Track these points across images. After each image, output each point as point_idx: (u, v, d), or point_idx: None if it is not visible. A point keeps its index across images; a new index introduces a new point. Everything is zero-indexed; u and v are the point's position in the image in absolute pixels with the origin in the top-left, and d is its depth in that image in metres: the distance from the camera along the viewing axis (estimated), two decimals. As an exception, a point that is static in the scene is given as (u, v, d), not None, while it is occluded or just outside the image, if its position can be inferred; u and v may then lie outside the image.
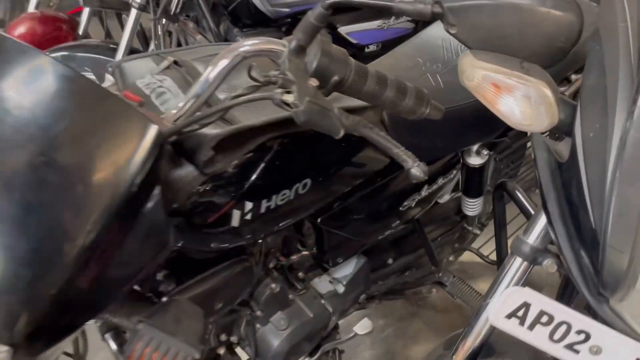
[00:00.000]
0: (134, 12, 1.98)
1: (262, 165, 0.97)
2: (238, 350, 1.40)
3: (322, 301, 1.40)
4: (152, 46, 2.17)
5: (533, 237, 0.89)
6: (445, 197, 1.85)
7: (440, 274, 1.69)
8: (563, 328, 0.74)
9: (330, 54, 0.84)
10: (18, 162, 0.64)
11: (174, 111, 0.84)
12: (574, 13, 0.82)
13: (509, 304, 0.75)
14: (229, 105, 0.82)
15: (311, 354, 1.48)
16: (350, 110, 0.94)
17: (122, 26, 2.51)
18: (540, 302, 0.75)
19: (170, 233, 0.82)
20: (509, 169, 1.71)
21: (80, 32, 2.43)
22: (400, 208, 1.40)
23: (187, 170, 0.89)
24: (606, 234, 0.64)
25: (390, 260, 1.62)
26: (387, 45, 2.51)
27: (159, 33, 2.04)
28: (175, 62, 0.99)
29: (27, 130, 0.65)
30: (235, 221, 0.98)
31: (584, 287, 0.71)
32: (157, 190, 0.72)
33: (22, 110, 0.66)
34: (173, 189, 0.88)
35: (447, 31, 0.76)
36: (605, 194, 0.64)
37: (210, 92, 0.84)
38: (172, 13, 2.05)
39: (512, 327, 0.76)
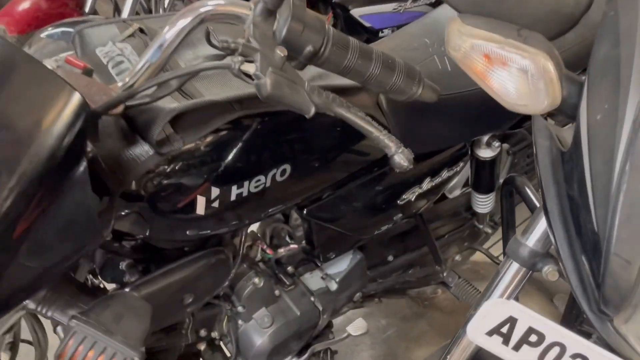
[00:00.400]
0: (135, -15, 1.90)
1: (230, 146, 0.87)
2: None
3: (312, 298, 1.30)
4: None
5: (533, 240, 0.76)
6: (455, 192, 1.73)
7: (444, 274, 1.57)
8: (555, 350, 0.61)
9: (303, 20, 0.73)
10: None
11: (127, 78, 0.75)
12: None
13: (490, 317, 0.64)
14: (180, 73, 0.72)
15: (300, 354, 1.39)
16: (339, 91, 0.83)
17: (132, 4, 2.43)
18: (529, 317, 0.63)
19: (108, 222, 0.73)
20: (524, 164, 1.58)
21: (87, 9, 2.37)
22: (399, 201, 1.29)
23: (141, 149, 0.79)
24: (610, 240, 0.52)
25: (390, 258, 1.51)
26: (404, 30, 2.38)
27: (160, 10, 1.95)
28: (141, 30, 0.90)
29: None
30: (200, 209, 0.88)
31: (584, 301, 0.59)
32: (82, 167, 0.62)
33: None
34: (125, 169, 0.79)
35: None
36: (612, 190, 0.52)
37: (165, 58, 0.74)
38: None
39: (494, 346, 0.64)
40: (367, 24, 2.27)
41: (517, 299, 0.77)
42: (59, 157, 0.59)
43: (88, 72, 0.73)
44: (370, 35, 2.32)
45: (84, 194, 0.63)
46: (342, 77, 0.90)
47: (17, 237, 0.58)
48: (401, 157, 0.77)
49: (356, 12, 2.23)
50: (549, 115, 0.64)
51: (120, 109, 0.71)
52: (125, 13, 1.96)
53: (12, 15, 2.29)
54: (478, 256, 1.85)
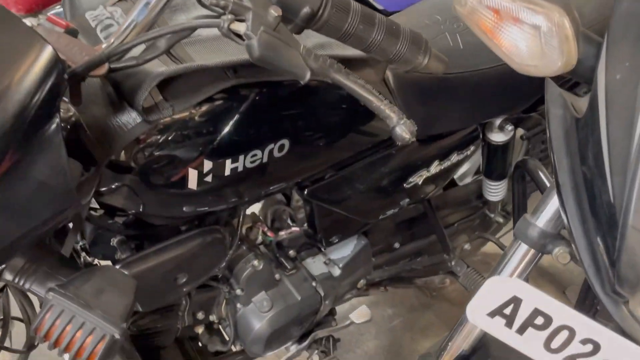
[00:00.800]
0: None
1: (224, 117, 0.83)
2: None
3: (314, 283, 1.26)
4: None
5: (543, 220, 0.71)
6: (466, 180, 1.68)
7: (452, 263, 1.51)
8: (564, 334, 0.56)
9: (300, -21, 0.68)
10: None
11: (112, 38, 0.71)
12: None
13: (493, 297, 0.58)
14: (166, 32, 0.67)
15: (301, 340, 1.35)
16: (342, 62, 0.78)
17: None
18: (535, 297, 0.58)
19: (89, 190, 0.69)
20: (539, 150, 1.51)
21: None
22: (405, 185, 1.24)
23: (129, 117, 0.75)
24: (628, 211, 0.47)
25: (396, 245, 1.46)
26: (418, 14, 2.31)
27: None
28: (134, -6, 0.86)
29: None
30: (192, 183, 0.84)
31: (597, 283, 0.54)
32: (54, 125, 0.58)
33: None
34: (112, 137, 0.75)
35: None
36: (631, 156, 0.47)
37: (153, 17, 0.70)
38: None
39: (495, 328, 0.59)
40: (380, 7, 2.21)
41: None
42: (29, 113, 0.55)
43: (71, 32, 0.69)
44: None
45: (57, 155, 0.59)
46: (343, 47, 0.85)
47: None
48: (403, 129, 0.72)
49: (368, -7, 2.17)
50: (562, 81, 0.59)
51: (103, 70, 0.67)
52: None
53: (20, -6, 2.27)
54: (489, 247, 1.79)
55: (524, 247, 0.73)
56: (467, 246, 1.59)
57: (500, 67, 1.21)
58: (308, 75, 0.68)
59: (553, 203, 0.70)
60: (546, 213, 0.71)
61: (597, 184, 0.52)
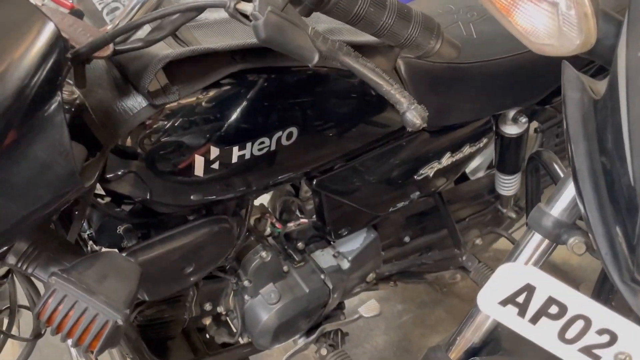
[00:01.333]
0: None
1: (231, 103, 0.81)
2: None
3: (322, 276, 1.25)
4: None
5: (558, 209, 0.69)
6: (479, 174, 1.65)
7: (464, 258, 1.49)
8: (579, 325, 0.54)
9: (309, -41, 0.67)
10: None
11: (117, 20, 0.69)
12: None
13: (505, 284, 0.56)
14: (171, 11, 0.66)
15: (309, 333, 1.33)
16: (352, 48, 0.76)
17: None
18: (550, 285, 0.56)
19: (90, 171, 0.68)
20: (553, 144, 1.48)
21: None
22: (416, 177, 1.22)
23: (134, 101, 0.74)
24: (649, 194, 0.45)
25: (407, 239, 1.44)
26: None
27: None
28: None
29: None
30: (198, 170, 0.83)
31: (614, 270, 0.52)
32: (55, 104, 0.57)
33: None
34: (117, 121, 0.74)
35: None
36: (653, 137, 0.44)
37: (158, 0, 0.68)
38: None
39: (508, 317, 0.57)
40: None
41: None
42: (31, 91, 0.54)
43: (76, 13, 0.68)
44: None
45: (59, 135, 0.58)
46: (354, 33, 0.83)
47: None
48: (414, 114, 0.70)
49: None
50: (580, 69, 0.56)
51: (108, 51, 0.66)
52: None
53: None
54: (501, 243, 1.76)
55: (537, 237, 0.70)
56: (478, 241, 1.56)
57: (514, 58, 1.18)
58: (316, 58, 0.67)
59: (569, 191, 0.68)
60: (561, 202, 0.69)
61: (616, 167, 0.50)
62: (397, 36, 0.75)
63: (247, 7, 0.63)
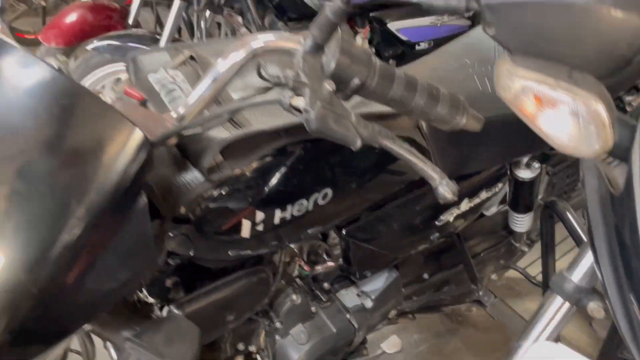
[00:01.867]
0: (176, 4, 1.95)
1: (275, 172, 0.89)
2: None
3: (348, 316, 1.31)
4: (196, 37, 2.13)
5: (578, 275, 0.76)
6: (492, 210, 1.72)
7: (480, 293, 1.56)
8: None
9: (350, 54, 0.74)
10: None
11: (180, 109, 0.77)
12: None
13: (537, 360, 0.64)
14: (233, 108, 0.74)
15: (334, 370, 1.40)
16: (381, 116, 0.84)
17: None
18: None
19: (161, 247, 0.76)
20: (564, 185, 1.56)
21: (130, 21, 2.44)
22: (437, 222, 1.29)
23: (192, 175, 0.82)
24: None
25: (425, 275, 1.51)
26: (440, 44, 2.37)
27: (202, 25, 1.99)
28: (191, 57, 0.93)
29: (12, 129, 0.60)
30: (245, 232, 0.90)
31: (628, 335, 0.59)
32: (142, 199, 0.65)
33: (10, 109, 0.61)
34: (176, 195, 0.82)
35: (484, 30, 0.65)
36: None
37: (217, 90, 0.77)
38: (216, 5, 2.00)
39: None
40: (404, 38, 2.28)
41: (558, 337, 0.76)
42: (122, 189, 0.62)
43: (144, 103, 0.76)
44: (407, 47, 2.33)
45: (144, 224, 0.65)
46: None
47: (83, 263, 0.61)
48: (445, 189, 0.78)
49: (393, 25, 2.24)
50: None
51: (175, 140, 0.74)
52: (167, 27, 2.01)
53: (60, 28, 2.37)
54: (513, 272, 1.82)
55: (559, 300, 0.78)
56: (494, 276, 1.63)
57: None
58: (359, 143, 0.74)
59: (587, 259, 0.75)
60: (581, 268, 0.76)
61: (632, 257, 0.57)
62: (427, 114, 0.83)
63: (299, 103, 0.71)
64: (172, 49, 0.97)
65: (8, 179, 0.59)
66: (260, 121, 0.84)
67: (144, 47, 2.06)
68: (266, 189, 0.89)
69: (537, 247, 1.64)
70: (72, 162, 0.60)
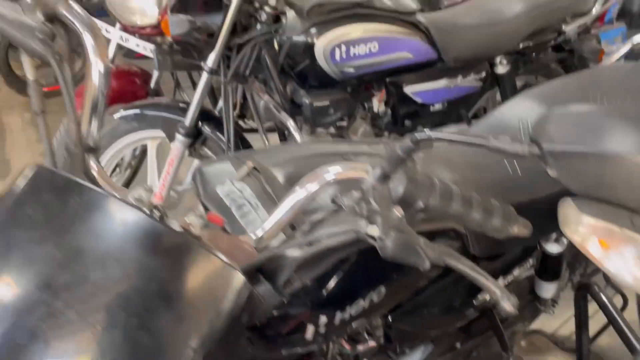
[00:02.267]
0: (205, 76, 2.03)
1: (337, 278, 0.95)
2: None
3: (385, 391, 1.35)
4: (220, 104, 2.21)
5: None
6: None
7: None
8: None
9: (416, 181, 0.81)
10: (105, 317, 0.63)
11: (259, 231, 0.84)
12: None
13: None
14: (313, 239, 0.80)
15: None
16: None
17: (192, 79, 2.58)
18: None
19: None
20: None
21: (152, 85, 2.52)
22: (474, 301, 1.35)
23: (264, 289, 0.87)
24: None
25: (458, 345, 1.55)
26: (453, 103, 2.47)
27: (229, 93, 2.07)
28: (254, 168, 0.99)
29: (117, 285, 0.65)
30: (309, 335, 0.96)
31: None
32: (241, 332, 0.71)
33: (110, 263, 0.65)
34: (251, 307, 0.87)
35: (546, 172, 0.71)
36: None
37: (293, 216, 0.83)
38: (242, 75, 2.08)
39: None
40: (419, 100, 2.37)
41: None
42: (227, 326, 0.67)
43: (224, 229, 0.82)
44: (421, 108, 2.42)
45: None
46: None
47: None
48: (507, 304, 0.83)
49: (408, 89, 2.33)
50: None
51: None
52: (195, 98, 2.08)
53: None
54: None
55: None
56: (523, 343, 1.67)
57: (558, 193, 1.33)
58: (428, 266, 0.80)
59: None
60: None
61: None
62: (482, 227, 0.89)
63: (374, 232, 0.77)
64: (234, 159, 1.03)
65: (126, 331, 0.63)
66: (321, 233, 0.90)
67: (174, 116, 2.13)
68: (328, 294, 0.95)
69: (561, 311, 1.69)
70: (185, 313, 0.65)
